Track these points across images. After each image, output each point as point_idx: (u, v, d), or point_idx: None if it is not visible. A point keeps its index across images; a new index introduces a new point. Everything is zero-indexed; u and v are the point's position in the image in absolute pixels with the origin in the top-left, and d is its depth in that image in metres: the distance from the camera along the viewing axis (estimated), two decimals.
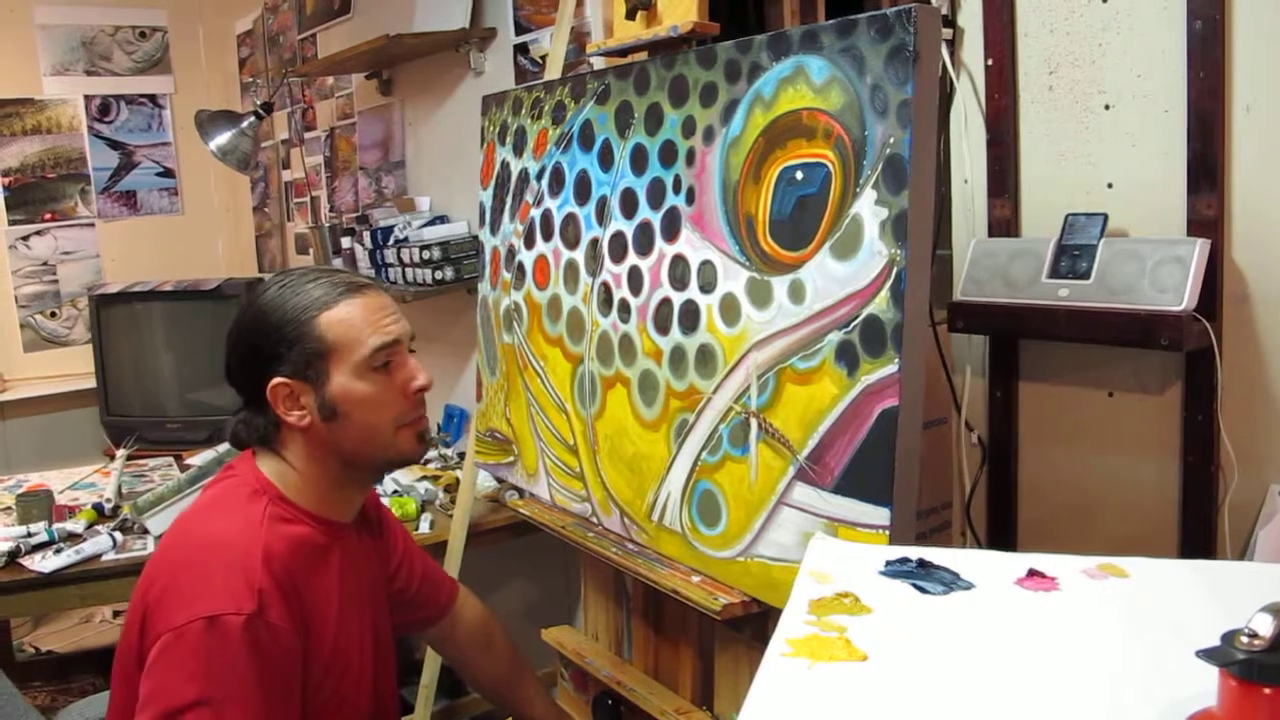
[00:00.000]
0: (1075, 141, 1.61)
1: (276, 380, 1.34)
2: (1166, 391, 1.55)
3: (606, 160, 1.73)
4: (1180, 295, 1.42)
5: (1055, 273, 1.55)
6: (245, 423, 1.41)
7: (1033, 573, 0.98)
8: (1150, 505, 1.58)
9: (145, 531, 2.56)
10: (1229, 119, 1.44)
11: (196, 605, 1.23)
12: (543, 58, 2.65)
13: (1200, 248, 1.42)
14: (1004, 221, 1.69)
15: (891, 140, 1.23)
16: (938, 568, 0.99)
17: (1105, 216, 1.53)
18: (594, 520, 1.80)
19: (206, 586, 1.24)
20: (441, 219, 3.09)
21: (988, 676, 0.81)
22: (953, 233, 1.76)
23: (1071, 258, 1.54)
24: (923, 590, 0.95)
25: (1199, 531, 1.51)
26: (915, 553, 1.02)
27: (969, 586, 0.96)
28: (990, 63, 1.67)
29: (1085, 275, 1.52)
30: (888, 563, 1.01)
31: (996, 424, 1.74)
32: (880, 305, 1.24)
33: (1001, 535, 1.75)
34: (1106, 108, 1.57)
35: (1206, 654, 0.64)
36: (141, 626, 1.28)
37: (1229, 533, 1.47)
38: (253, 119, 3.13)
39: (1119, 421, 1.61)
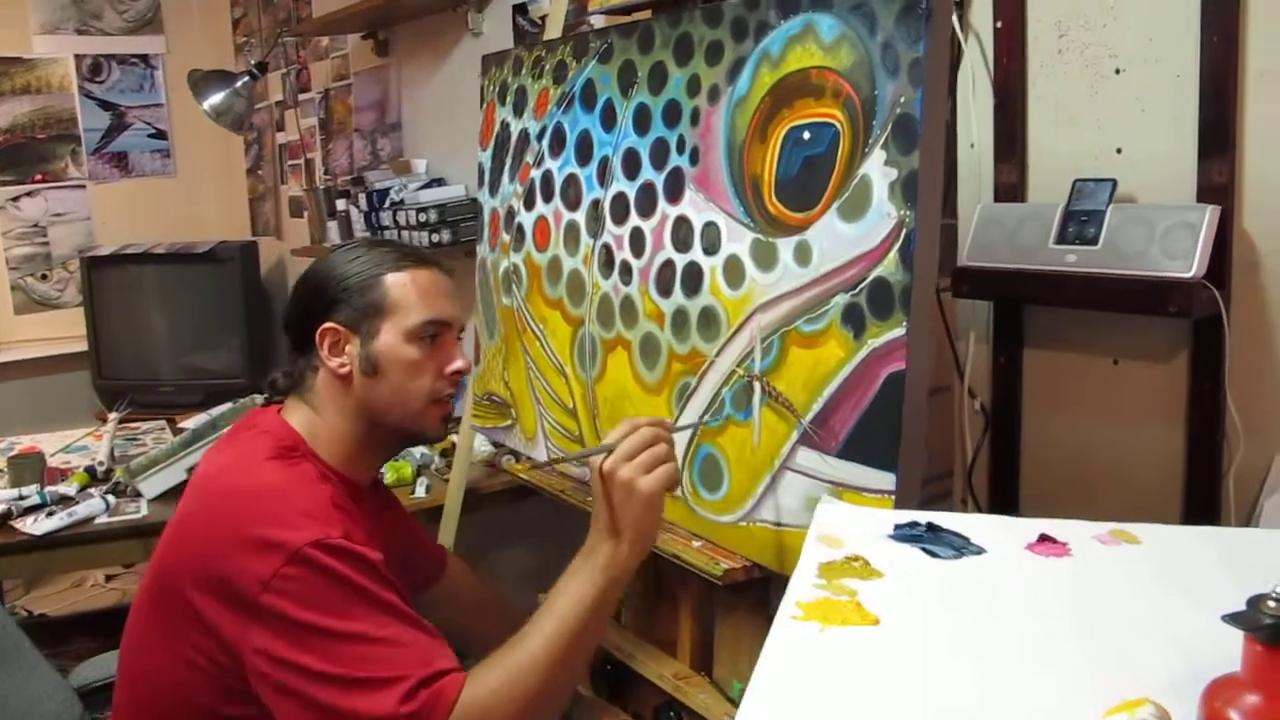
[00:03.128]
0: (1084, 106, 1.59)
1: (328, 324, 1.39)
2: (1173, 359, 1.54)
3: (609, 120, 1.71)
4: (1190, 262, 1.40)
5: (1063, 238, 1.53)
6: (285, 372, 1.46)
7: (1044, 538, 0.97)
8: (1154, 473, 1.57)
9: (138, 495, 2.55)
10: (1242, 84, 1.42)
11: (290, 541, 1.21)
12: (542, 18, 2.61)
13: (1210, 214, 1.40)
14: (1010, 186, 1.67)
15: (902, 100, 1.20)
16: (947, 532, 0.98)
17: (1114, 182, 1.51)
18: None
19: (288, 524, 1.24)
20: (438, 182, 3.06)
21: (1002, 642, 0.80)
22: (958, 198, 1.74)
23: (1079, 223, 1.52)
24: (933, 554, 0.94)
25: (1203, 500, 1.50)
26: (924, 517, 1.01)
27: (980, 551, 0.95)
28: (999, 25, 1.65)
29: (1093, 241, 1.50)
30: (896, 527, 1.00)
31: (1000, 391, 1.73)
32: (889, 267, 1.22)
33: (1004, 503, 1.74)
34: (1117, 72, 1.55)
35: (1232, 618, 0.63)
36: (208, 584, 1.24)
37: (1234, 501, 1.46)
38: (247, 79, 3.09)
39: (1124, 389, 1.59)
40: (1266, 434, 1.45)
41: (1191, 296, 1.39)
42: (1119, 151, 1.56)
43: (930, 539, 0.97)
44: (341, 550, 1.23)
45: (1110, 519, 1.63)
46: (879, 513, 1.05)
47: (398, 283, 1.41)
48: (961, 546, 0.95)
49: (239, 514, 1.28)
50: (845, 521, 1.01)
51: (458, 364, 1.45)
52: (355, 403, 1.40)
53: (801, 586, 0.87)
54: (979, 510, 1.77)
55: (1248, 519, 1.47)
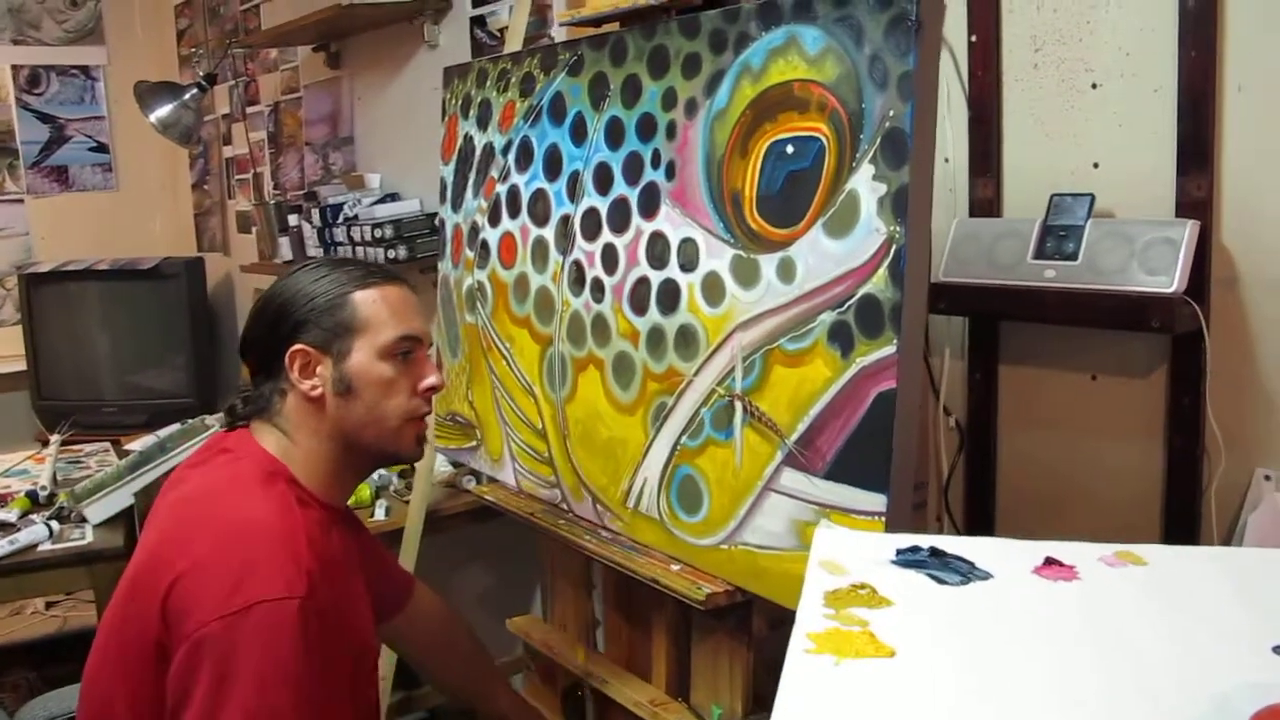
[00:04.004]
0: (1061, 121, 1.58)
1: (297, 346, 1.33)
2: (1151, 375, 1.53)
3: (579, 134, 1.67)
4: (1171, 277, 1.39)
5: (1041, 254, 1.52)
6: (245, 397, 1.40)
7: (1049, 561, 0.94)
8: (1133, 490, 1.56)
9: (83, 520, 2.45)
10: (1220, 99, 1.42)
11: (246, 590, 1.16)
12: (501, 30, 2.57)
13: (1191, 229, 1.39)
14: (986, 202, 1.66)
15: (892, 113, 1.18)
16: (952, 557, 0.95)
17: (1092, 197, 1.50)
18: (564, 507, 1.74)
19: (253, 571, 1.18)
20: (392, 196, 3.00)
21: (1021, 673, 0.77)
22: (933, 213, 1.72)
23: (1058, 239, 1.51)
24: (940, 581, 0.91)
25: (1183, 515, 1.49)
26: (926, 541, 0.98)
27: (986, 576, 0.92)
28: (974, 39, 1.64)
29: (1072, 257, 1.49)
30: (899, 552, 0.96)
31: (975, 407, 1.71)
32: (878, 284, 1.20)
33: (979, 520, 1.73)
34: (1094, 86, 1.54)
35: None
36: (164, 616, 1.19)
37: (1215, 517, 1.45)
38: (196, 91, 3.01)
39: (1102, 405, 1.58)
40: (1246, 449, 1.44)
41: (1174, 312, 1.38)
42: (1096, 166, 1.55)
43: (935, 565, 0.94)
44: (297, 616, 1.16)
45: (1088, 535, 1.61)
46: (879, 537, 1.01)
47: (367, 300, 1.36)
48: (967, 572, 0.92)
49: (212, 545, 1.22)
50: (845, 547, 0.98)
51: (431, 379, 1.40)
52: (329, 425, 1.35)
53: (810, 617, 0.83)
54: (954, 526, 1.75)
55: (1229, 534, 1.46)
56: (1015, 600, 0.88)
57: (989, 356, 1.69)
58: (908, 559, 0.95)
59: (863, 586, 0.89)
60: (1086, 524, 1.62)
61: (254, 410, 1.38)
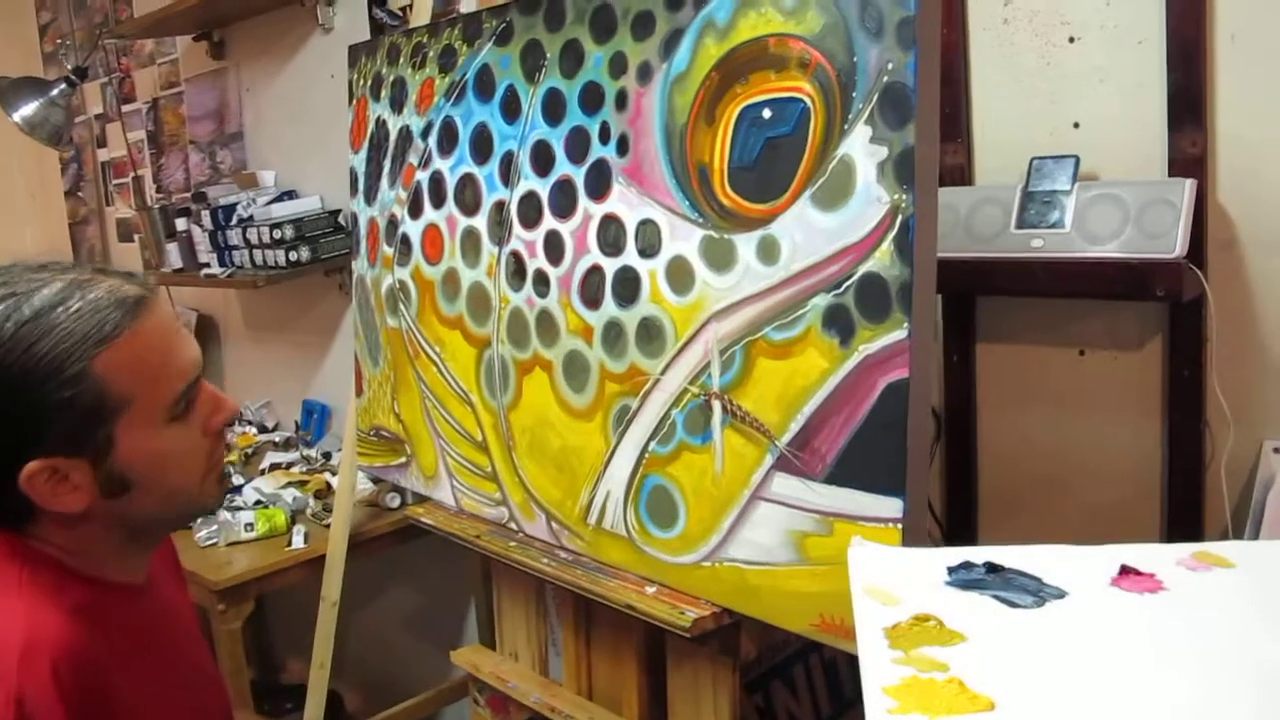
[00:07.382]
0: (1035, 79, 1.47)
1: (34, 467, 0.93)
2: (1145, 347, 1.43)
3: (511, 110, 1.50)
4: (1172, 241, 1.29)
5: (1024, 223, 1.41)
6: None
7: (1126, 570, 0.81)
8: (1129, 470, 1.46)
9: None
10: (1212, 49, 1.32)
11: None
12: (404, 8, 2.38)
13: (1189, 188, 1.29)
14: (956, 169, 1.54)
15: (890, 66, 1.04)
16: (1014, 573, 0.81)
17: (1077, 159, 1.39)
18: (513, 527, 1.57)
19: None
20: (289, 194, 2.77)
21: (1151, 708, 0.64)
22: None
23: (1041, 205, 1.40)
24: (1010, 603, 0.78)
25: (1187, 496, 1.39)
26: (979, 555, 0.84)
27: (1060, 594, 0.79)
28: None
29: (1059, 224, 1.38)
30: (951, 570, 0.82)
31: (953, 391, 1.59)
32: (882, 260, 1.06)
33: (960, 511, 1.61)
34: (1071, 40, 1.43)
35: None
36: None
37: (1226, 492, 1.36)
38: (64, 86, 2.74)
39: (1091, 382, 1.48)
40: (1253, 421, 1.35)
41: (1179, 278, 1.28)
42: (1076, 126, 1.44)
43: (998, 584, 0.80)
44: None
45: (1079, 522, 1.52)
46: (921, 554, 0.87)
47: (115, 367, 0.94)
48: (1038, 590, 0.79)
49: None
50: (887, 568, 0.83)
51: (225, 412, 1.06)
52: (106, 524, 1.00)
53: (877, 664, 0.69)
54: (935, 519, 1.63)
55: (1235, 511, 1.37)
56: (1104, 621, 0.75)
57: (965, 335, 1.57)
58: (964, 579, 0.81)
59: (927, 619, 0.75)
60: (1077, 510, 1.51)
61: None
